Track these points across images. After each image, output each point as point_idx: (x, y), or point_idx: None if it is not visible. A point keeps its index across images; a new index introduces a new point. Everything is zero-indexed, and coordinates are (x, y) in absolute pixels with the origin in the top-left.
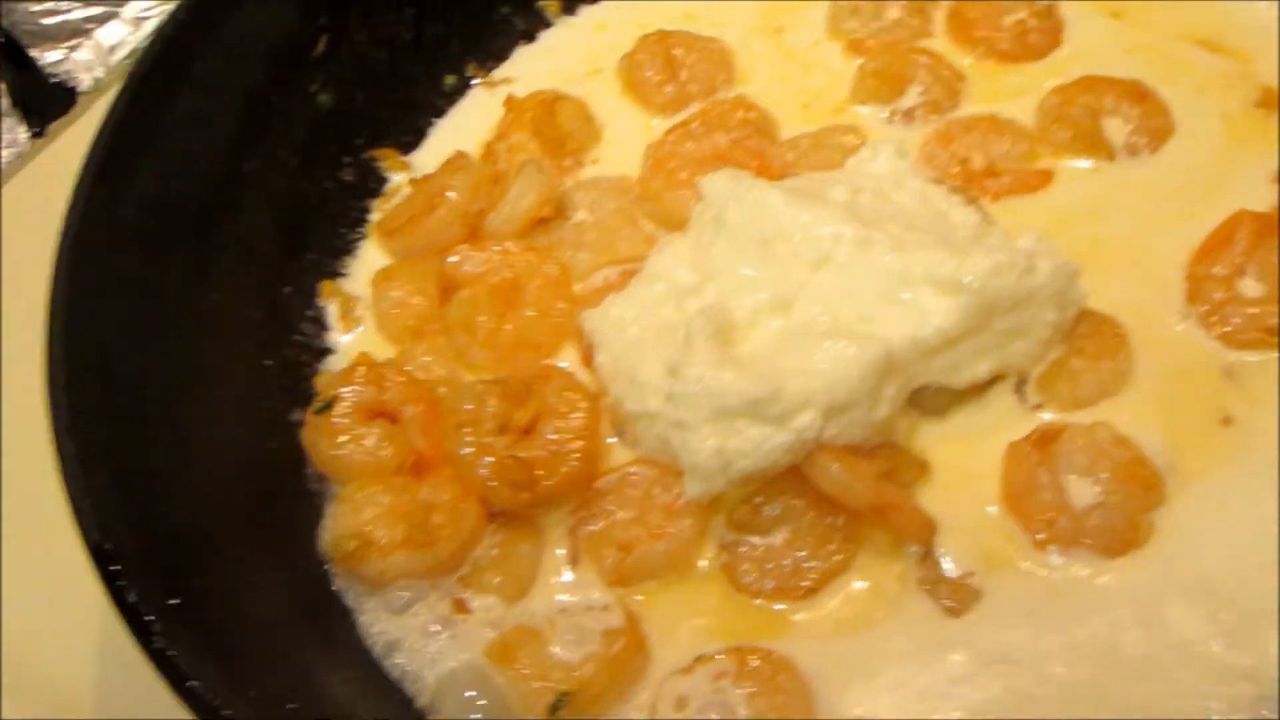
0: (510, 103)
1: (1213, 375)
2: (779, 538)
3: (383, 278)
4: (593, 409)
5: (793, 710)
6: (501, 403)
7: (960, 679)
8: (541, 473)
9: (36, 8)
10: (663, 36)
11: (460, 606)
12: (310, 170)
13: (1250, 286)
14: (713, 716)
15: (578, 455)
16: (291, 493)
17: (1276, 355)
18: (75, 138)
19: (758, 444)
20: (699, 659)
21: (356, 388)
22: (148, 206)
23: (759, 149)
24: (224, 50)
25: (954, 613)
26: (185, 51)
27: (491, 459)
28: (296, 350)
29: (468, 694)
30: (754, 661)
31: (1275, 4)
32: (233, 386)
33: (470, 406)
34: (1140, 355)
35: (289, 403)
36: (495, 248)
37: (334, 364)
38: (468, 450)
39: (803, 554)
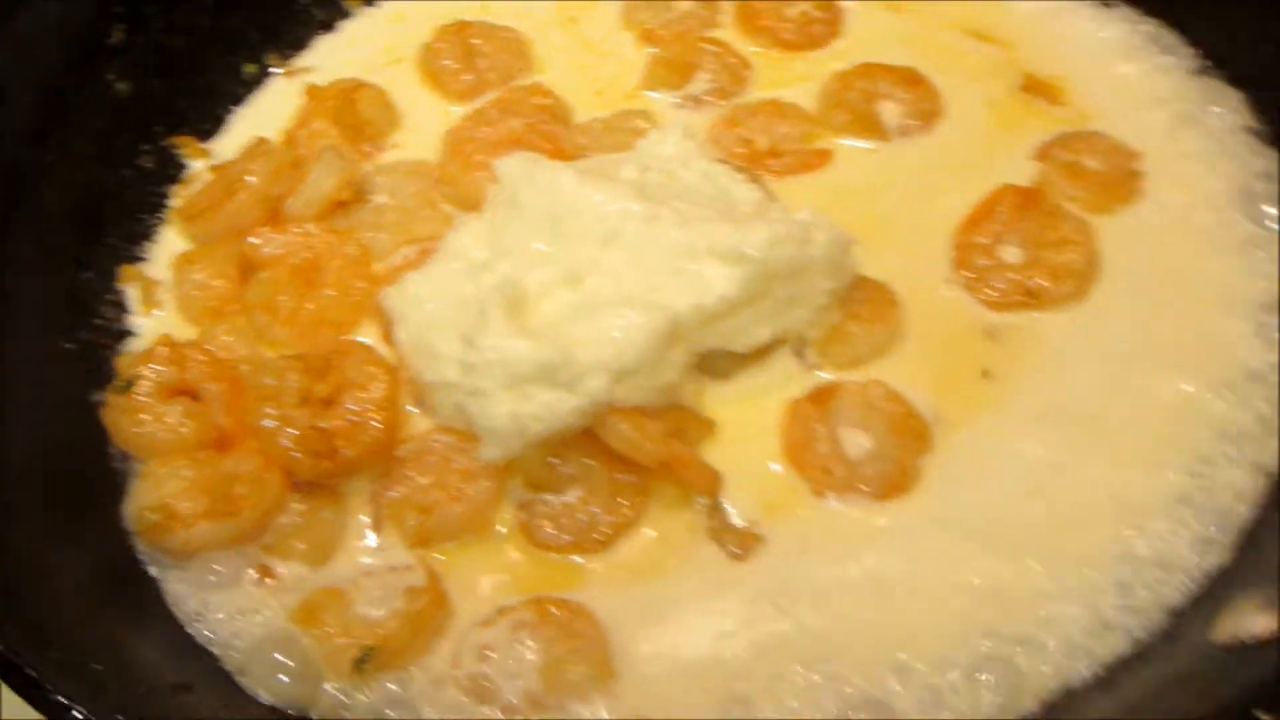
0: (311, 91)
1: (975, 335)
2: (574, 495)
3: (184, 261)
4: (392, 380)
5: (590, 653)
6: (302, 377)
7: (746, 617)
8: (342, 442)
9: None
10: (461, 26)
11: (266, 573)
12: (108, 158)
13: (1011, 253)
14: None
15: (378, 425)
16: (95, 471)
17: (1032, 315)
18: None
19: (550, 408)
20: (500, 610)
21: (157, 367)
22: None
23: (553, 133)
24: (15, 42)
25: (739, 557)
26: None
27: (294, 431)
28: (97, 333)
29: (275, 656)
30: (552, 610)
31: None
32: (31, 370)
33: (271, 381)
34: (910, 318)
35: (90, 384)
36: (295, 230)
37: (135, 346)
38: (270, 423)
39: (596, 509)
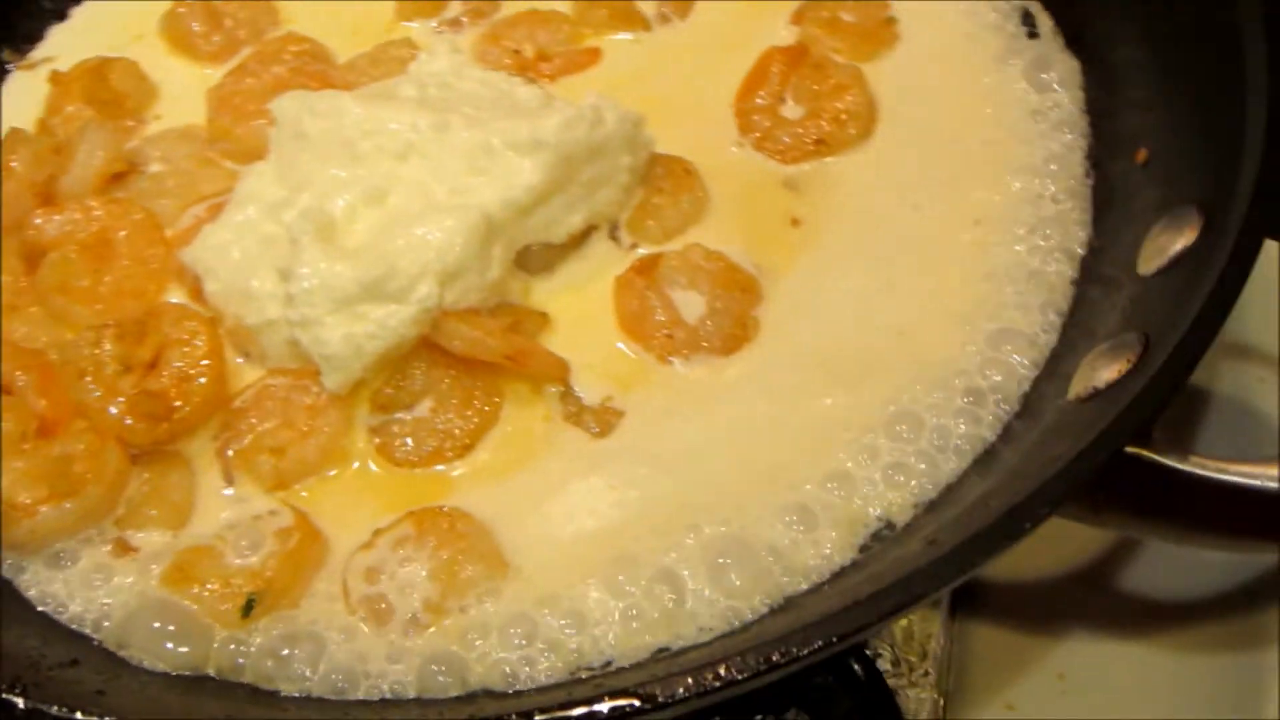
0: (56, 77)
1: (776, 188)
2: (425, 407)
3: None
4: (212, 331)
5: (479, 552)
6: (118, 344)
7: (620, 485)
8: (177, 401)
9: None
10: None
11: (123, 546)
12: None
13: (791, 110)
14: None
15: (207, 377)
16: None
17: (825, 161)
18: None
19: (384, 322)
20: (376, 532)
21: None
22: None
23: (320, 72)
24: None
25: (601, 434)
26: None
27: (122, 399)
28: None
29: (155, 625)
30: (430, 520)
31: None
32: None
33: (87, 353)
34: (711, 184)
35: None
36: (76, 207)
37: None
38: (95, 395)
39: (450, 416)
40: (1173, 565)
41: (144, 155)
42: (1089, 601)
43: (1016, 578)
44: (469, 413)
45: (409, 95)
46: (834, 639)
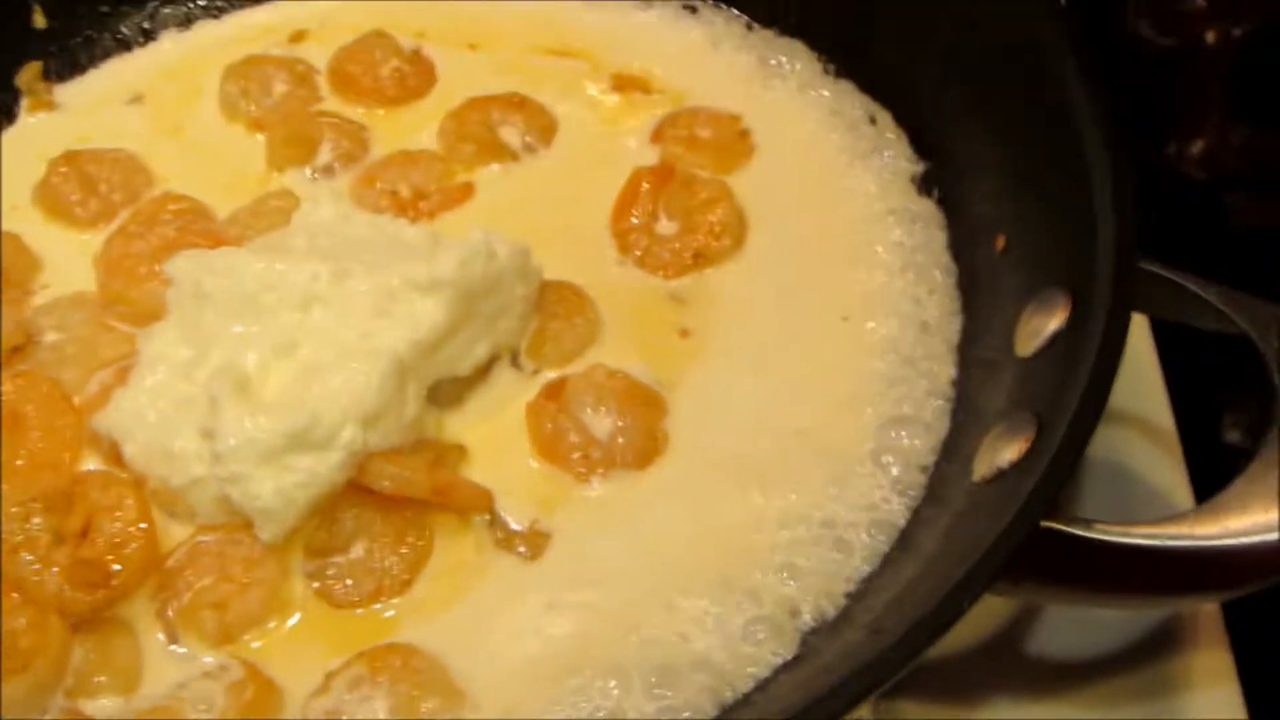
0: None
1: (662, 302)
2: (359, 549)
3: None
4: (139, 494)
5: (434, 684)
6: (47, 516)
7: (556, 607)
8: (114, 566)
9: None
10: (72, 156)
11: (78, 716)
12: None
13: (665, 226)
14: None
15: (140, 540)
16: None
17: (705, 273)
18: None
19: (313, 470)
20: (329, 675)
21: None
22: None
23: (207, 230)
24: None
25: (532, 557)
26: None
27: (57, 569)
28: None
29: None
30: (381, 658)
31: (594, 4)
32: None
33: (19, 528)
34: (601, 304)
35: None
36: None
37: None
38: (33, 569)
39: (385, 554)
40: (1076, 625)
41: (37, 326)
42: (1002, 670)
43: (933, 654)
44: (403, 550)
45: (300, 245)
46: None
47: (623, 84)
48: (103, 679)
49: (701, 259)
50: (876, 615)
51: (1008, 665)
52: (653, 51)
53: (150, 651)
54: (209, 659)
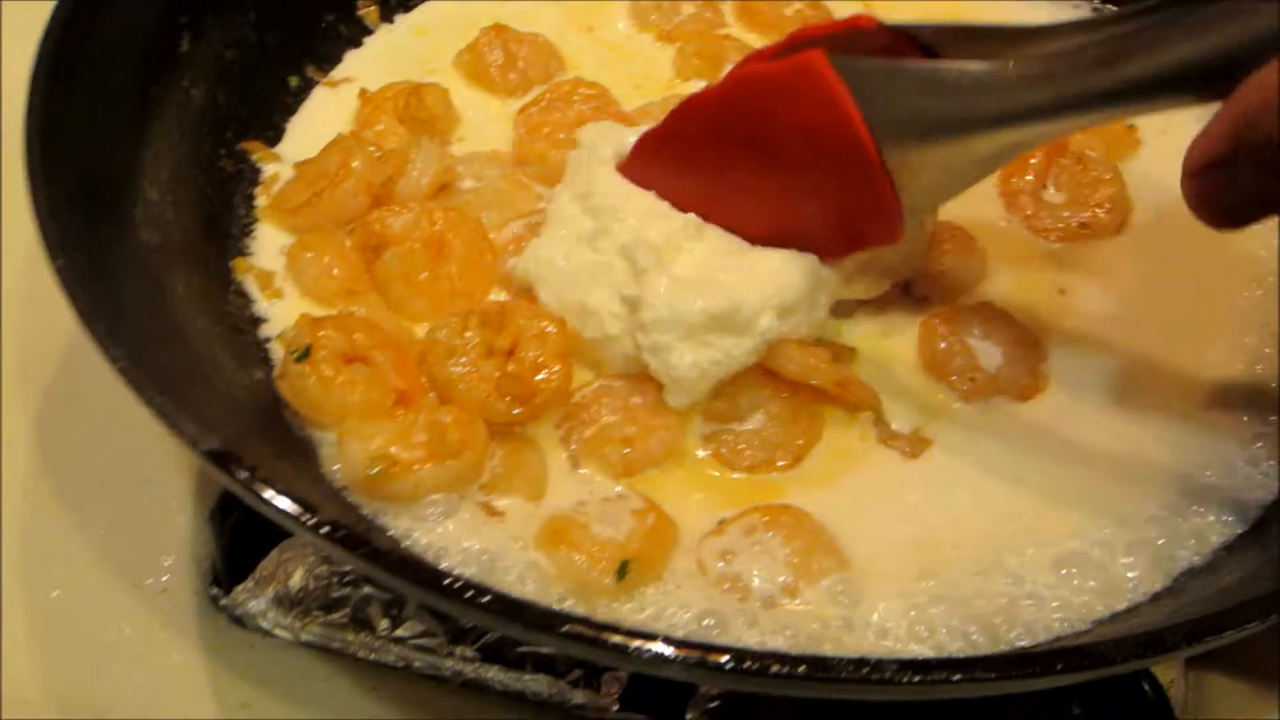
0: (366, 95)
1: (1044, 260)
2: (756, 421)
3: (299, 248)
4: (564, 329)
5: (826, 544)
6: (481, 330)
7: (925, 503)
8: (538, 385)
9: None
10: (500, 29)
11: (490, 510)
12: (198, 160)
13: (1052, 195)
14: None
15: (560, 367)
16: (287, 443)
17: (1087, 244)
18: None
19: (729, 351)
20: (722, 522)
21: (329, 334)
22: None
23: (618, 114)
24: (107, 45)
25: (913, 455)
26: (74, 50)
27: (485, 379)
28: (231, 319)
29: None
30: (776, 513)
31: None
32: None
33: (456, 336)
34: (987, 252)
35: (245, 366)
36: (418, 207)
37: (272, 330)
38: (464, 373)
39: (780, 430)
40: None
41: (458, 173)
42: None
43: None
44: (796, 429)
45: None
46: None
47: None
48: (515, 482)
49: (1086, 230)
50: (1245, 575)
51: None
52: None
53: (555, 470)
54: (607, 487)
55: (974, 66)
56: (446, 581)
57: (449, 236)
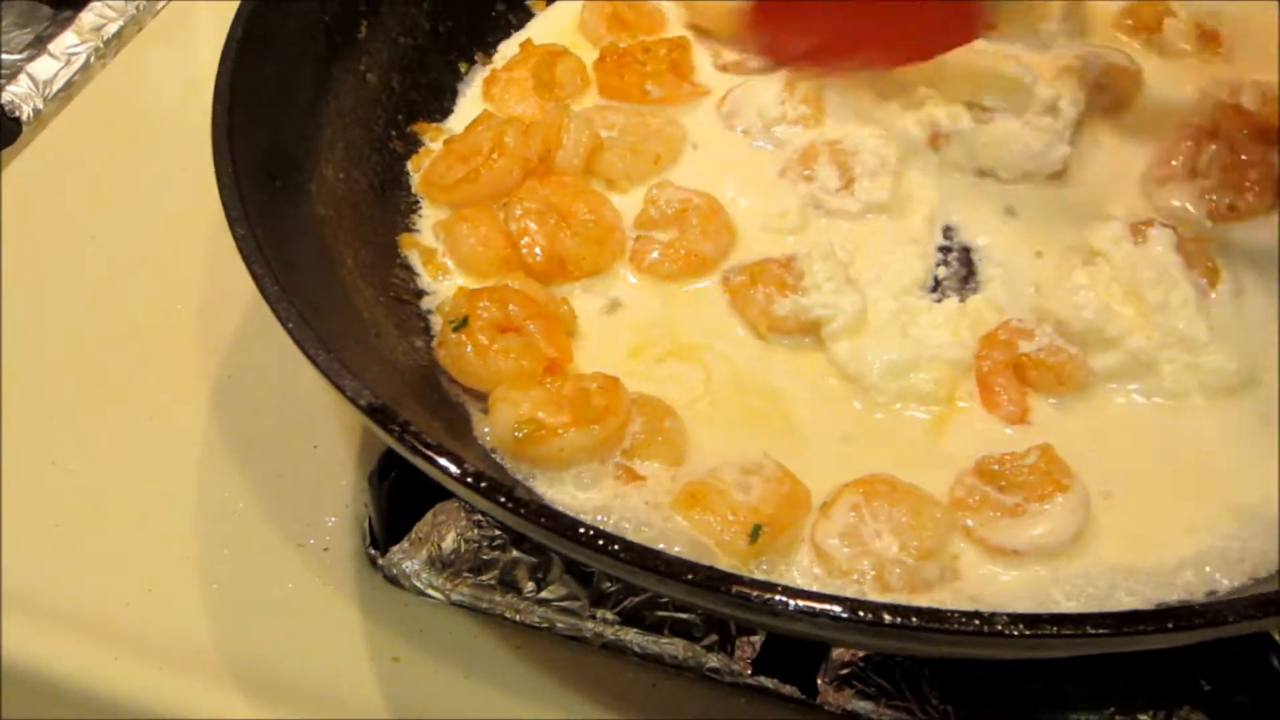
0: (526, 45)
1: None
2: None
3: (457, 220)
4: None
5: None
6: None
7: None
8: None
9: None
10: None
11: (630, 475)
12: (369, 139)
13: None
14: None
15: None
16: (445, 408)
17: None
18: (21, 170)
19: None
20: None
21: (485, 305)
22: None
23: None
24: (290, 33)
25: None
26: (260, 37)
27: None
28: (395, 290)
29: (659, 547)
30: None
31: None
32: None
33: None
34: None
35: (405, 334)
36: (567, 179)
37: (432, 302)
38: None
39: None
40: None
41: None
42: None
43: None
44: None
45: None
46: None
47: (1204, 39)
48: (655, 448)
49: (1235, 212)
50: None
51: None
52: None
53: (694, 436)
54: (749, 456)
55: None
56: (588, 531)
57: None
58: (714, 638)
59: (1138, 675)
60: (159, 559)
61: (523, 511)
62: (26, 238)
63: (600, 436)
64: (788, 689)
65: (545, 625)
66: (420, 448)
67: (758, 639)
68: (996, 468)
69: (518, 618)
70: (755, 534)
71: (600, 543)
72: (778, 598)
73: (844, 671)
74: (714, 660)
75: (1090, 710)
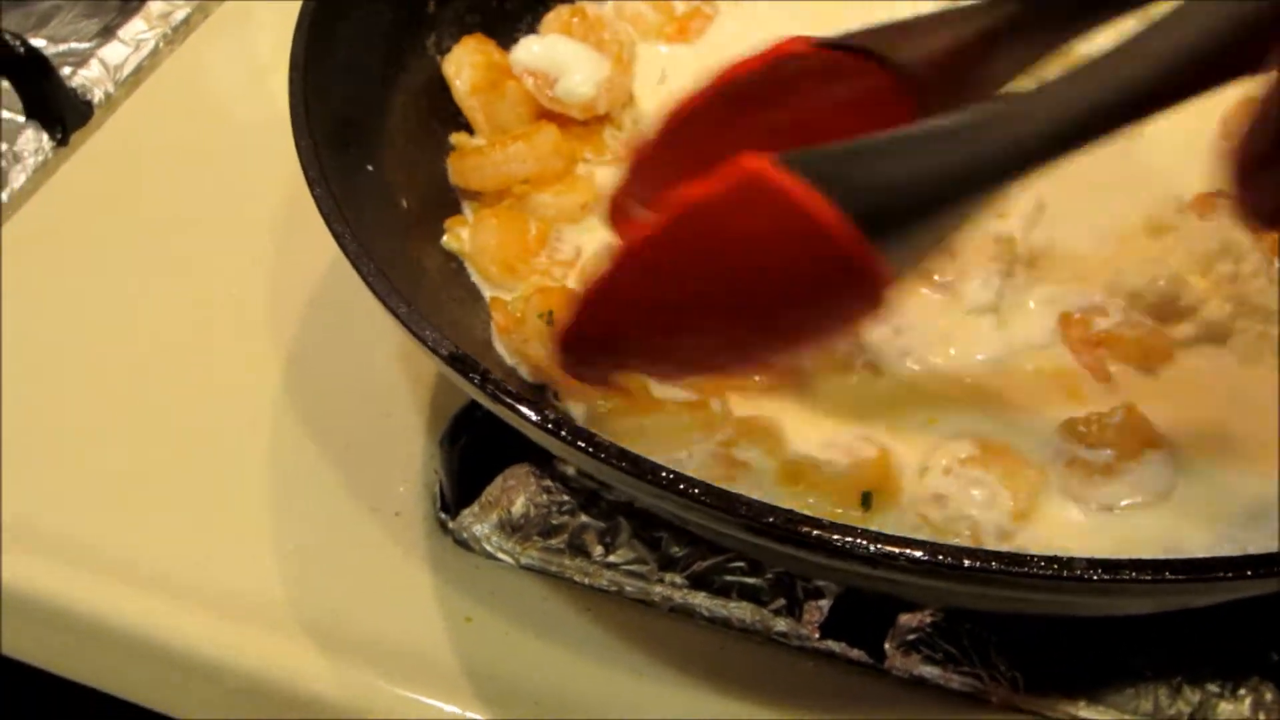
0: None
1: None
2: None
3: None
4: None
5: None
6: None
7: None
8: None
9: (37, 41)
10: None
11: (731, 461)
12: (436, 113)
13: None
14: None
15: None
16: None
17: None
18: (93, 151)
19: None
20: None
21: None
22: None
23: None
24: (362, 6)
25: None
26: (333, 10)
27: None
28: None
29: None
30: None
31: None
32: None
33: None
34: None
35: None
36: None
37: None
38: None
39: None
40: None
41: None
42: None
43: None
44: None
45: None
46: None
47: None
48: (754, 433)
49: None
50: None
51: None
52: None
53: (789, 420)
54: (844, 435)
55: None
56: (668, 475)
57: None
58: (781, 602)
59: (1207, 646)
60: (236, 525)
61: (604, 455)
62: (102, 214)
63: (700, 421)
64: (855, 653)
65: (614, 589)
66: (501, 395)
67: (825, 603)
68: (1083, 429)
69: (587, 581)
70: (867, 501)
71: (681, 486)
72: (859, 541)
73: (911, 637)
74: (782, 624)
75: (1158, 680)
